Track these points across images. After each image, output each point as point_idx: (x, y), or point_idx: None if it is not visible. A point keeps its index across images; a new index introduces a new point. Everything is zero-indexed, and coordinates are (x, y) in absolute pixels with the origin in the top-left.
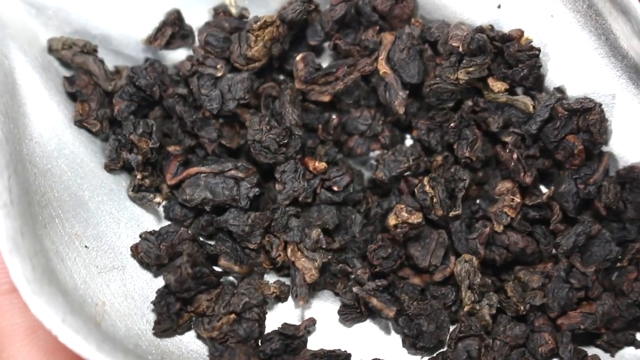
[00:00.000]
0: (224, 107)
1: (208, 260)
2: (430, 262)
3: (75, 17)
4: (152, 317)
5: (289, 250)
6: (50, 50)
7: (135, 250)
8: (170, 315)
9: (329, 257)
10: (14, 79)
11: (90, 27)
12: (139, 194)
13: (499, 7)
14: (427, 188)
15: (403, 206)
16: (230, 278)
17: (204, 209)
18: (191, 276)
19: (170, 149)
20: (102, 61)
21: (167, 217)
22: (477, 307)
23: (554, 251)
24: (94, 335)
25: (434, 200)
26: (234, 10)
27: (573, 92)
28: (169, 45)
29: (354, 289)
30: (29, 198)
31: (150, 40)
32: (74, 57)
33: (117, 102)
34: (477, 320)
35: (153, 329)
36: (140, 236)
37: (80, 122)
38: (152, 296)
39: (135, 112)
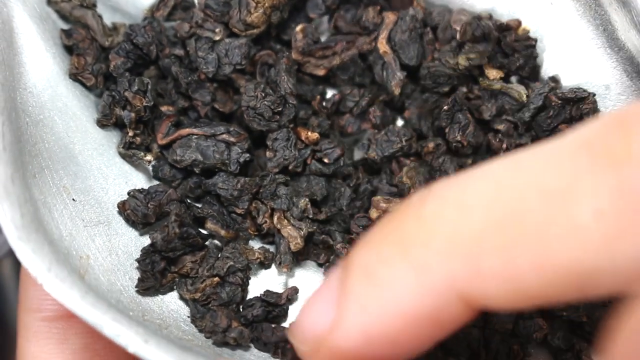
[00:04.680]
0: (219, 71)
1: (194, 222)
2: None
3: None
4: (135, 274)
5: (275, 218)
6: (49, 2)
7: (122, 207)
8: (155, 274)
9: (315, 227)
10: (11, 27)
11: None
12: (130, 151)
13: None
14: (405, 179)
15: (379, 198)
16: (216, 242)
17: (193, 171)
18: (178, 236)
19: (163, 108)
20: (100, 17)
21: (156, 177)
22: None
23: None
24: (78, 286)
25: (411, 190)
26: None
27: (567, 82)
28: (170, 16)
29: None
30: (21, 146)
31: (153, 10)
32: (72, 10)
33: (113, 57)
34: None
35: (136, 286)
36: (129, 194)
37: (75, 76)
38: (136, 254)
39: (130, 70)
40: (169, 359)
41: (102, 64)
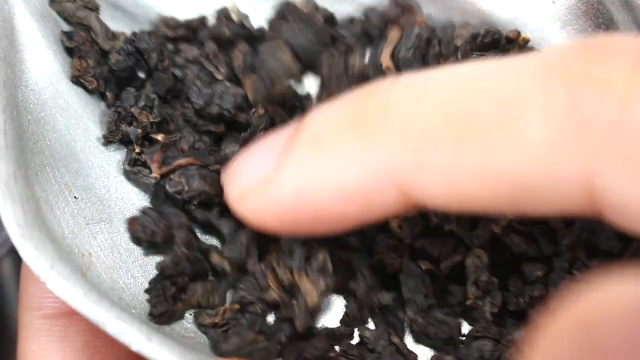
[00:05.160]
0: (206, 108)
1: (202, 254)
2: (441, 249)
3: None
4: (136, 272)
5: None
6: (53, 1)
7: (131, 224)
8: (167, 299)
9: (334, 281)
10: (12, 25)
11: None
12: (135, 169)
13: None
14: None
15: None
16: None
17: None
18: (186, 258)
19: (159, 137)
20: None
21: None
22: (480, 303)
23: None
24: (81, 284)
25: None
26: (235, 17)
27: None
28: (175, 41)
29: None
30: (22, 144)
31: (162, 24)
32: (76, 10)
33: (114, 56)
34: (479, 315)
35: (150, 314)
36: (142, 211)
37: (77, 78)
38: (138, 251)
39: (129, 75)
40: (172, 357)
41: (104, 67)
